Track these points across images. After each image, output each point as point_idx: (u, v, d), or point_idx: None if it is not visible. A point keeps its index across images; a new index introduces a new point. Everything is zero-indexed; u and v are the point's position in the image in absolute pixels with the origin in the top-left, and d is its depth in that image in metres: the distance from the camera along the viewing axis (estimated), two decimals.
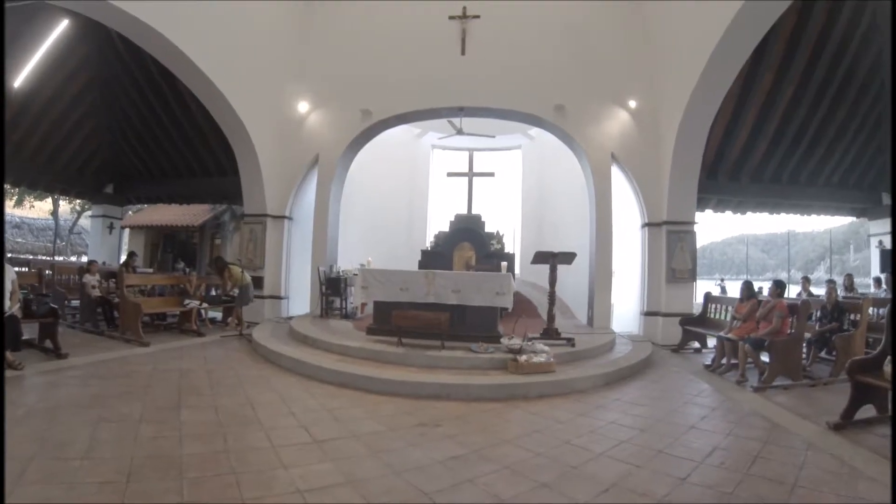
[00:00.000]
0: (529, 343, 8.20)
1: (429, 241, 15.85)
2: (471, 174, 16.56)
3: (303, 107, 13.31)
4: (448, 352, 8.30)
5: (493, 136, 16.09)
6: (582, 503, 3.85)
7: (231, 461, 4.37)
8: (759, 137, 15.10)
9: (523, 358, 7.66)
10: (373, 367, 7.67)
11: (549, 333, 9.41)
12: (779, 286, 8.85)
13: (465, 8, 12.52)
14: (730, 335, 8.90)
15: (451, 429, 5.47)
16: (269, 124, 12.97)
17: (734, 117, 14.25)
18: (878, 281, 15.10)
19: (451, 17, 12.58)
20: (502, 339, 8.50)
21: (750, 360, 8.28)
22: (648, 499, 3.94)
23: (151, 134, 17.42)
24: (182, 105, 15.69)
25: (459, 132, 14.37)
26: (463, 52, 12.51)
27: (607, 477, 4.31)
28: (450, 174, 16.95)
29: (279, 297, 13.41)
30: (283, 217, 13.50)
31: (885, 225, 17.75)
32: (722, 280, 25.36)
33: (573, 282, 13.16)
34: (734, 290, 9.91)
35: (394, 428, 5.44)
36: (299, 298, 13.56)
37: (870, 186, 17.58)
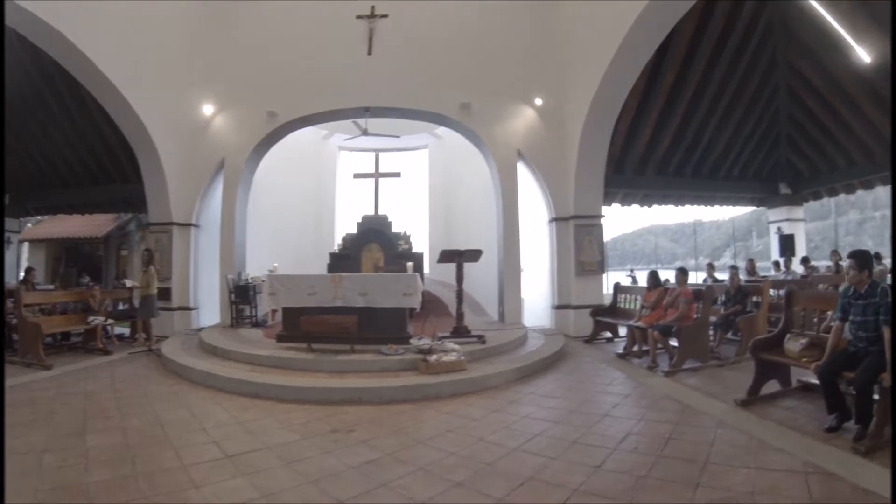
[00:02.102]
0: (439, 342, 8.20)
1: (337, 244, 15.63)
2: (377, 175, 16.43)
3: (208, 109, 12.78)
4: (358, 355, 8.18)
5: (399, 137, 16.08)
6: (497, 499, 3.82)
7: (140, 485, 4.10)
8: (663, 133, 15.74)
9: (433, 358, 7.61)
10: (284, 376, 7.48)
11: (459, 331, 9.40)
12: (683, 273, 9.23)
13: (373, 7, 12.39)
14: (639, 323, 9.17)
15: (364, 433, 5.38)
16: (173, 128, 12.35)
17: (638, 113, 14.73)
18: (777, 264, 15.95)
19: (359, 17, 12.40)
20: (412, 340, 8.46)
21: (660, 345, 8.56)
22: (564, 489, 3.95)
23: (50, 139, 16.31)
24: (82, 108, 14.75)
25: (365, 133, 14.26)
26: (370, 52, 12.35)
27: (522, 471, 4.31)
28: (356, 175, 16.78)
29: (188, 309, 12.83)
30: (190, 225, 12.91)
31: (781, 213, 19.05)
32: (632, 270, 26.18)
33: (483, 279, 13.23)
34: (645, 279, 10.22)
35: (307, 436, 5.31)
36: (209, 309, 13.03)
37: (767, 177, 18.81)
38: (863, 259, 5.28)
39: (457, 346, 8.11)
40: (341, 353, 8.27)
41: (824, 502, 3.73)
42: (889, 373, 4.65)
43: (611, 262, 30.78)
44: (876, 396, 4.82)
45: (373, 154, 17.19)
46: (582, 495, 3.87)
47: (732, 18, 13.43)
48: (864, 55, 12.35)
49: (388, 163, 17.49)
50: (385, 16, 12.35)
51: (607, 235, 12.58)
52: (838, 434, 4.99)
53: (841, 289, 5.60)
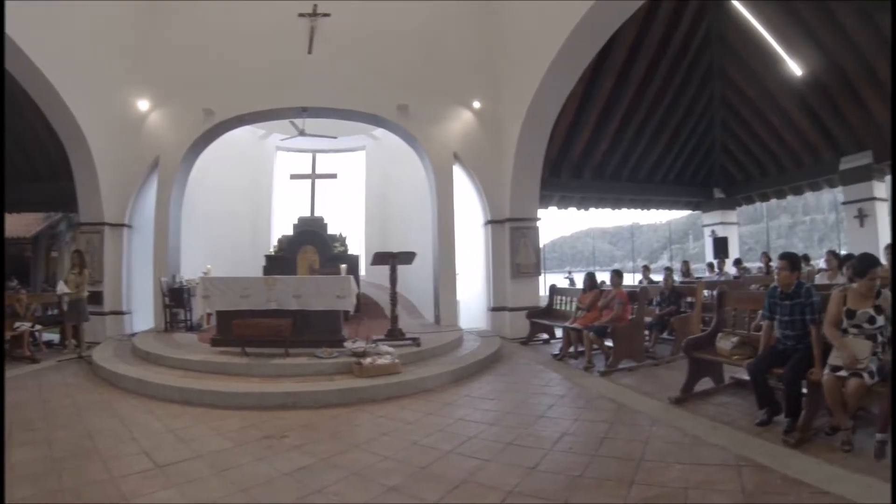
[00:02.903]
0: (373, 345, 8.14)
1: (273, 246, 15.34)
2: (313, 176, 16.18)
3: (143, 105, 12.22)
4: (292, 359, 8.03)
5: (336, 138, 15.88)
6: (432, 503, 3.78)
7: (66, 500, 3.89)
8: (601, 137, 16.12)
9: (368, 361, 7.53)
10: (217, 381, 7.28)
11: (394, 334, 9.30)
12: (618, 275, 9.37)
13: (315, 6, 12.14)
14: (574, 325, 9.28)
15: (298, 439, 5.27)
16: (106, 123, 11.74)
17: (577, 117, 14.99)
18: (711, 266, 16.43)
19: (301, 15, 12.13)
20: (346, 343, 8.34)
21: (595, 346, 8.67)
22: (498, 492, 3.93)
23: None
24: (10, 100, 13.98)
25: (302, 133, 14.01)
26: (310, 51, 12.08)
27: (457, 474, 4.29)
28: (293, 176, 16.48)
29: (121, 313, 12.30)
30: (123, 225, 12.34)
31: (716, 216, 19.87)
32: (570, 273, 26.57)
33: (419, 281, 13.19)
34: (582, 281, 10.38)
35: (240, 443, 5.16)
36: (143, 313, 12.44)
37: (703, 182, 19.60)
38: (794, 261, 5.48)
39: (391, 349, 8.06)
40: (275, 356, 8.10)
41: (756, 493, 3.83)
42: (818, 368, 4.84)
43: (549, 264, 31.26)
44: (804, 391, 5.03)
45: (310, 155, 16.96)
46: (517, 497, 3.85)
47: (672, 28, 13.92)
48: (795, 67, 12.92)
49: (325, 164, 17.24)
50: (327, 15, 12.13)
51: (546, 238, 12.75)
52: (769, 427, 5.15)
53: (768, 289, 5.77)
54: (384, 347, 8.10)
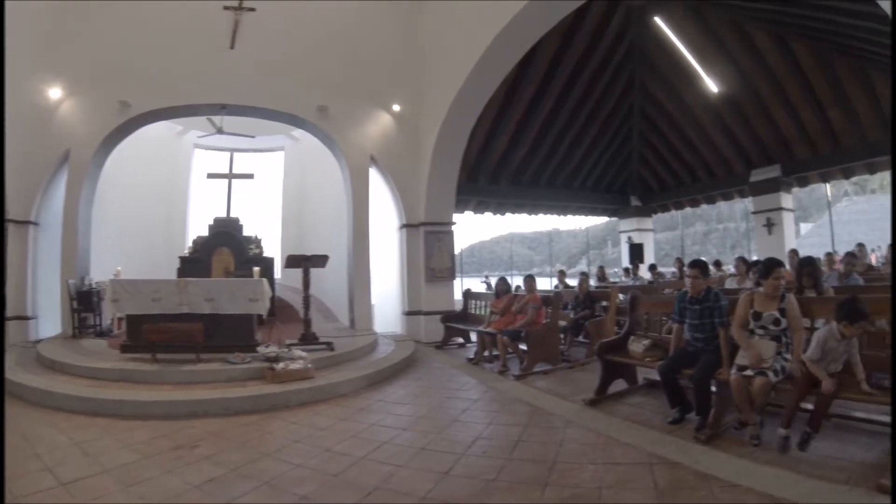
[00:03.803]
0: (286, 350, 7.99)
1: (188, 247, 14.80)
2: (230, 176, 15.74)
3: (54, 93, 11.40)
4: (204, 365, 7.77)
5: (254, 137, 15.54)
6: None
7: None
8: (520, 143, 16.43)
9: (280, 366, 7.39)
10: (126, 389, 6.93)
11: (307, 338, 9.18)
12: (531, 280, 9.50)
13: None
14: (489, 329, 9.34)
15: (209, 448, 5.08)
16: (12, 111, 10.96)
17: (496, 123, 15.21)
18: (627, 270, 16.80)
19: (226, 8, 11.70)
20: (259, 348, 8.12)
21: (510, 350, 8.75)
22: (411, 498, 3.90)
23: None
24: None
25: (220, 131, 13.63)
26: (232, 46, 11.69)
27: (369, 481, 4.24)
28: (210, 175, 15.97)
29: (25, 318, 11.52)
30: (28, 222, 11.52)
31: (632, 223, 20.74)
32: (487, 277, 26.80)
33: (335, 284, 13.03)
34: None
35: (149, 455, 4.91)
36: (50, 318, 11.61)
37: (620, 190, 20.49)
38: (703, 268, 5.76)
39: (304, 354, 7.94)
40: (187, 362, 7.83)
41: (669, 490, 3.94)
42: (726, 368, 5.06)
43: (468, 268, 31.50)
44: (713, 390, 5.26)
45: (228, 153, 16.51)
46: (430, 503, 3.83)
47: (595, 41, 14.37)
48: (711, 84, 13.52)
49: (243, 163, 16.76)
50: (252, 9, 11.74)
51: (465, 242, 12.83)
52: (681, 426, 5.34)
53: (678, 294, 5.97)
54: (297, 352, 7.97)
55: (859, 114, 13.18)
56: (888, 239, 15.94)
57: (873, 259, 13.95)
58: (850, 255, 9.20)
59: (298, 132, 15.14)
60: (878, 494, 3.61)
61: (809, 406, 4.55)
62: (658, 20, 12.99)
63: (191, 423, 5.92)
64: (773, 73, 13.47)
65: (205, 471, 4.50)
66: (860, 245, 11.86)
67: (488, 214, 18.32)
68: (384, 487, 4.12)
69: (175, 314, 8.31)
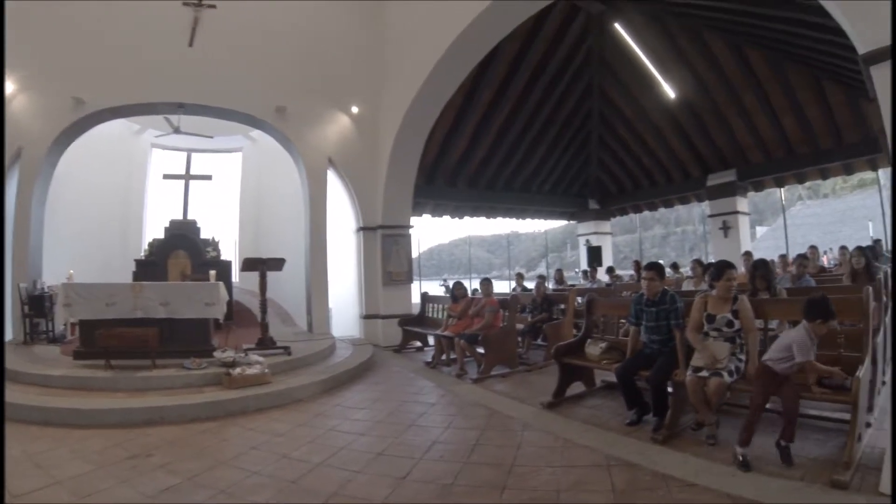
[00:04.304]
0: (243, 355, 7.84)
1: (143, 250, 14.46)
2: (188, 177, 15.44)
3: (6, 88, 11.15)
4: (160, 371, 7.58)
5: (212, 137, 15.25)
6: None
7: None
8: (478, 146, 16.46)
9: (237, 371, 7.27)
10: (79, 397, 6.73)
11: (265, 343, 9.03)
12: (487, 283, 9.55)
13: None
14: (446, 332, 9.35)
15: (164, 457, 4.96)
16: None
17: (454, 126, 15.21)
18: (585, 273, 16.95)
19: (186, 4, 11.48)
20: (216, 353, 7.97)
21: (468, 353, 8.75)
22: None
23: None
24: None
25: (177, 131, 13.36)
26: (191, 44, 11.43)
27: (326, 487, 4.20)
28: (166, 176, 15.64)
29: None
30: None
31: (590, 226, 21.04)
32: (445, 280, 26.82)
33: (293, 288, 12.86)
34: None
35: (103, 465, 4.76)
36: None
37: (578, 194, 20.72)
38: (659, 270, 5.83)
39: (261, 359, 7.81)
40: (142, 368, 7.63)
41: (627, 491, 3.97)
42: (681, 369, 5.13)
43: (427, 271, 31.58)
44: (670, 391, 5.34)
45: (185, 154, 16.20)
46: None
47: (554, 46, 14.46)
48: (669, 91, 13.75)
49: (200, 164, 16.46)
50: (213, 6, 11.51)
51: (424, 245, 12.81)
52: (639, 427, 5.39)
53: (634, 297, 6.03)
54: (254, 357, 7.83)
55: (812, 121, 13.70)
56: (840, 241, 16.67)
57: (825, 261, 14.31)
58: (801, 257, 9.46)
59: (256, 133, 14.92)
60: (833, 490, 3.72)
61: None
62: (618, 26, 13.15)
63: (146, 431, 5.78)
64: (729, 81, 13.85)
65: (160, 480, 4.41)
66: (812, 247, 12.23)
67: (446, 217, 18.31)
68: (341, 494, 4.08)
69: (130, 319, 8.09)
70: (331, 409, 6.83)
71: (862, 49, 4.00)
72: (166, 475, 4.50)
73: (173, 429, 5.91)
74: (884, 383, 5.64)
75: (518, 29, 10.53)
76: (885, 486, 3.59)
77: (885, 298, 5.88)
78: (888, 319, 5.42)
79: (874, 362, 4.88)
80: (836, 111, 13.10)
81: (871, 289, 4.92)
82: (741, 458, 4.16)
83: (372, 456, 4.93)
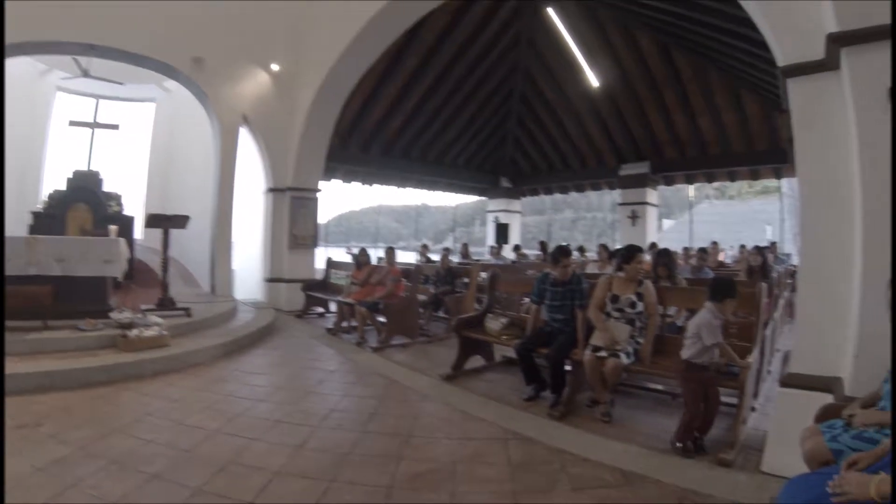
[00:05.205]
0: (141, 316, 7.48)
1: (42, 202, 13.54)
2: (94, 125, 14.54)
3: None
4: (52, 332, 7.05)
5: (123, 84, 14.38)
6: (194, 489, 3.54)
7: None
8: (396, 114, 16.22)
9: (134, 333, 6.91)
10: None
11: (164, 303, 8.65)
12: (391, 252, 9.54)
13: None
14: (348, 299, 9.28)
15: (55, 426, 4.65)
16: None
17: (374, 92, 14.90)
18: (492, 249, 17.08)
19: None
20: (112, 314, 7.52)
21: (369, 322, 8.72)
22: (264, 472, 3.80)
23: None
24: None
25: (86, 74, 12.51)
26: None
27: (222, 455, 4.10)
28: (72, 123, 14.67)
29: None
30: None
31: (501, 204, 21.21)
32: (350, 248, 26.71)
33: (198, 248, 12.37)
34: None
35: None
36: None
37: (491, 170, 20.84)
38: (555, 257, 5.83)
39: (160, 320, 7.48)
40: (33, 330, 7.08)
41: (522, 464, 4.04)
42: (580, 348, 5.24)
43: (335, 238, 31.27)
44: (568, 368, 5.46)
45: (93, 100, 15.24)
46: (283, 478, 3.75)
47: (486, 21, 14.32)
48: (593, 79, 13.96)
49: (109, 112, 15.53)
50: None
51: (334, 211, 12.62)
52: (536, 403, 5.52)
53: (539, 276, 6.11)
54: (153, 318, 7.48)
55: (726, 126, 14.39)
56: (741, 241, 17.71)
57: (722, 256, 14.97)
58: (702, 250, 10.07)
59: (172, 84, 14.09)
60: (718, 468, 3.97)
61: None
62: (551, 11, 13.17)
63: (37, 399, 5.40)
64: (653, 77, 14.28)
65: (50, 451, 4.14)
66: (714, 243, 12.97)
67: (357, 184, 18.05)
68: (237, 462, 3.99)
69: (22, 276, 7.50)
70: (230, 373, 6.66)
71: (782, 62, 4.15)
72: (57, 445, 4.25)
73: (65, 395, 5.57)
74: (769, 372, 6.04)
75: (451, 2, 10.44)
76: (767, 465, 3.86)
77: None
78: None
79: (762, 352, 5.25)
80: (751, 119, 13.84)
81: (764, 285, 5.22)
82: (681, 445, 4.28)
83: (270, 423, 4.85)
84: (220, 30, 11.49)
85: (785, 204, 20.85)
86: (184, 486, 3.58)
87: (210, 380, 6.31)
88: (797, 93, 4.07)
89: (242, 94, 11.88)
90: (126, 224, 11.71)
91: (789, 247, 17.64)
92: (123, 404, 5.42)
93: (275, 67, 12.08)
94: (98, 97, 14.94)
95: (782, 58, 4.15)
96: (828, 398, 3.42)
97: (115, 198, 12.85)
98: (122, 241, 8.36)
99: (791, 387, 3.91)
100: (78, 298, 7.72)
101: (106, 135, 14.53)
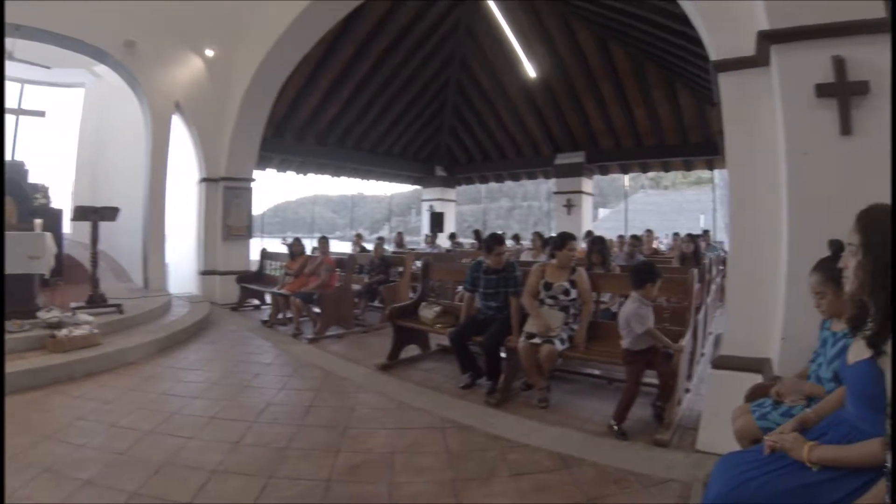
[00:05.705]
0: (70, 314, 7.24)
1: None
2: (18, 111, 13.83)
3: None
4: None
5: (49, 68, 13.74)
6: (130, 493, 3.44)
7: None
8: (331, 103, 16.01)
9: (63, 332, 6.62)
10: None
11: (95, 300, 8.34)
12: (324, 242, 9.51)
13: None
14: (283, 290, 9.20)
15: None
16: None
17: (309, 81, 14.69)
18: (427, 237, 17.14)
19: None
20: (39, 313, 7.24)
21: (304, 313, 8.70)
22: (201, 472, 3.73)
23: None
24: None
25: (10, 57, 11.94)
26: None
27: (157, 456, 3.99)
28: None
29: None
30: None
31: (436, 192, 21.28)
32: (285, 238, 26.47)
33: (130, 241, 11.98)
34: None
35: None
36: None
37: (426, 159, 20.78)
38: (489, 245, 5.84)
39: (90, 318, 7.23)
40: None
41: (461, 452, 4.10)
42: (515, 335, 5.31)
43: (271, 228, 30.93)
44: (503, 356, 5.52)
45: (18, 85, 14.53)
46: (220, 475, 3.70)
47: (423, 10, 14.25)
48: (531, 70, 14.03)
49: (34, 98, 14.83)
50: None
51: (269, 202, 12.40)
52: (473, 390, 5.59)
53: (472, 264, 6.16)
54: (82, 316, 7.23)
55: (661, 118, 14.81)
56: (674, 229, 18.27)
57: (656, 244, 15.36)
58: (634, 237, 10.24)
59: (102, 69, 13.54)
60: (655, 448, 4.15)
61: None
62: (490, 1, 13.18)
63: None
64: (590, 69, 14.51)
65: None
66: (648, 231, 13.30)
67: (291, 173, 17.81)
68: (173, 462, 3.90)
69: None
70: (164, 371, 6.50)
71: (714, 56, 4.31)
72: None
73: None
74: (702, 354, 6.27)
75: None
76: (701, 443, 4.06)
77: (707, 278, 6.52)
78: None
79: (695, 336, 5.44)
80: (685, 112, 14.27)
81: (696, 271, 5.42)
82: (616, 429, 4.39)
83: (205, 420, 4.76)
84: (153, 12, 10.99)
85: (717, 194, 21.60)
86: (119, 490, 3.49)
87: (143, 378, 6.14)
88: (728, 87, 4.25)
89: (175, 81, 11.49)
90: (53, 217, 11.22)
91: (721, 235, 18.19)
92: (54, 409, 5.20)
93: (209, 53, 11.71)
94: (23, 82, 14.25)
95: (715, 53, 4.31)
96: (757, 378, 3.59)
97: (42, 189, 12.29)
98: (49, 235, 7.98)
99: (722, 368, 4.11)
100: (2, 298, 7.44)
101: (32, 122, 13.91)
